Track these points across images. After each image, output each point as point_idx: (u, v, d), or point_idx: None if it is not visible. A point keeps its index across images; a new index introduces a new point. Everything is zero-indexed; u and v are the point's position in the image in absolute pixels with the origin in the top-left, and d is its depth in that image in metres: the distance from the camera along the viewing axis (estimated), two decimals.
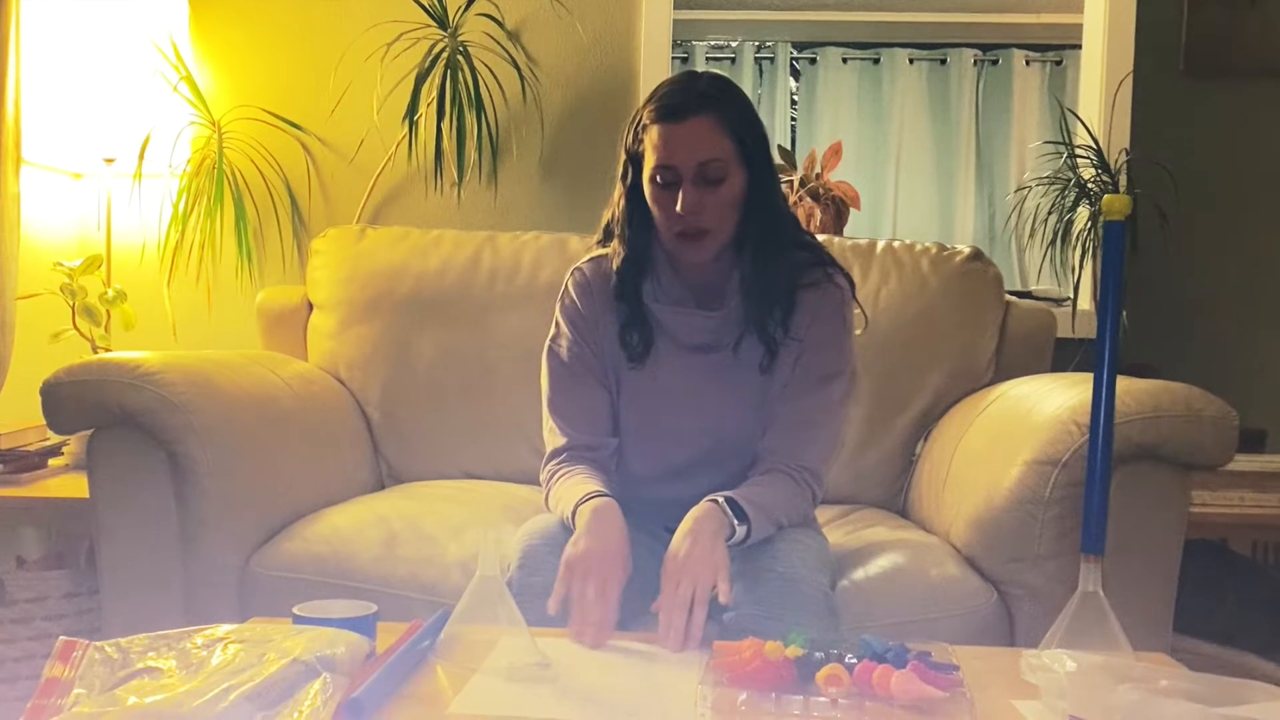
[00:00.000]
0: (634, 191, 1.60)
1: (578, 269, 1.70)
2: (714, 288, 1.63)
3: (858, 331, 1.67)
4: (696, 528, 1.42)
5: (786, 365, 1.61)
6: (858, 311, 1.67)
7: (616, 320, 1.65)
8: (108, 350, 2.34)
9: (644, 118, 1.56)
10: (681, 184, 1.52)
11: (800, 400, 1.59)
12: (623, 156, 1.62)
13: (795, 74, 5.14)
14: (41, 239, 2.59)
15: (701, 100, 1.52)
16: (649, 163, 1.55)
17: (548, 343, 1.69)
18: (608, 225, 1.67)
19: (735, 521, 1.44)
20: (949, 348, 2.17)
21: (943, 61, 5.03)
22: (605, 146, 1.66)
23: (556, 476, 1.59)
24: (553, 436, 1.65)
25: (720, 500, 1.45)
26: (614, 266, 1.64)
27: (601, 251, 1.69)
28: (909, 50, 5.03)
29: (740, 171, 1.55)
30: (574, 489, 1.51)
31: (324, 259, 2.35)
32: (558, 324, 1.69)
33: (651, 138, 1.54)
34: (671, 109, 1.52)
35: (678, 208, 1.52)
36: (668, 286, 1.64)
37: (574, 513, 1.46)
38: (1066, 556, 1.56)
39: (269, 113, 2.68)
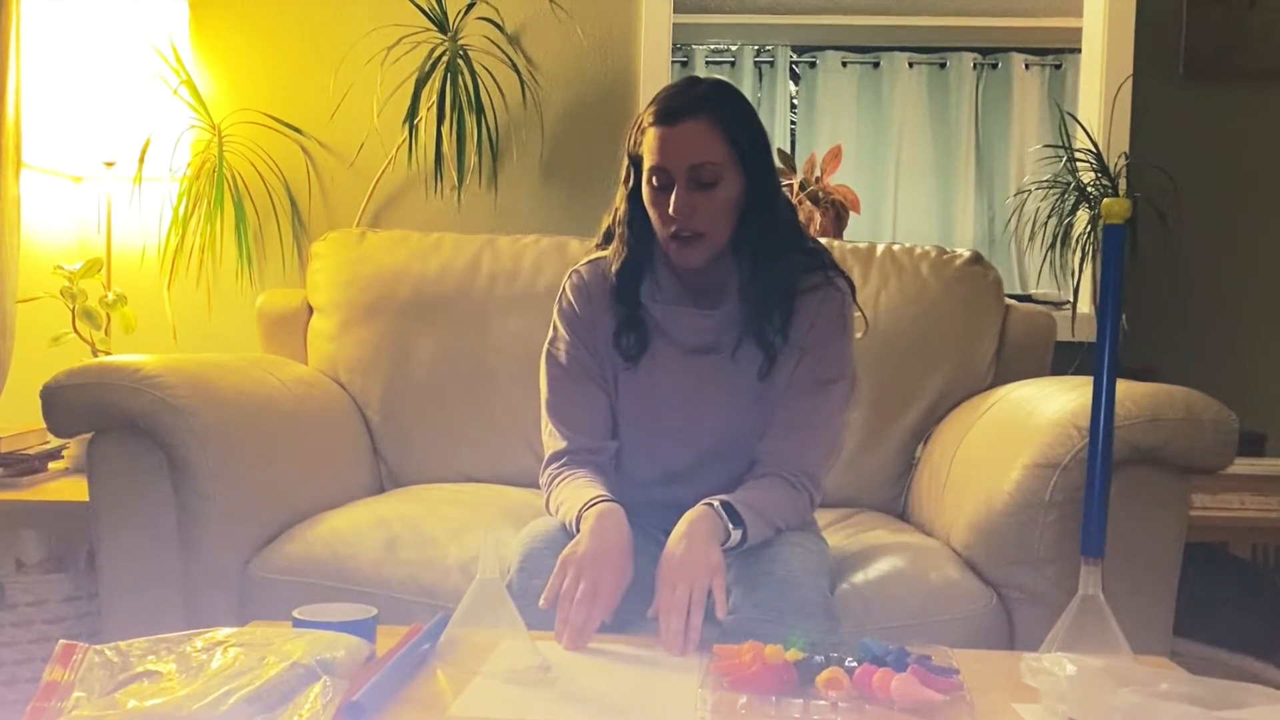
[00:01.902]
0: (635, 194, 1.61)
1: (575, 271, 1.71)
2: (713, 288, 1.63)
3: (858, 335, 1.67)
4: (691, 530, 1.42)
5: (787, 370, 1.60)
6: (858, 315, 1.67)
7: (613, 322, 1.65)
8: (108, 353, 2.34)
9: (644, 121, 1.57)
10: (675, 187, 1.52)
11: (799, 404, 1.59)
12: (626, 160, 1.62)
13: (795, 78, 5.15)
14: (42, 242, 2.60)
15: (697, 104, 1.53)
16: (646, 167, 1.55)
17: (546, 345, 1.69)
18: (609, 228, 1.68)
19: (730, 525, 1.43)
20: (949, 351, 2.17)
21: (942, 65, 5.04)
22: (605, 150, 1.67)
23: (558, 480, 1.58)
24: (552, 440, 1.64)
25: (715, 504, 1.45)
26: (613, 269, 1.64)
27: (600, 254, 1.69)
28: (908, 54, 5.04)
29: (736, 176, 1.55)
30: (578, 493, 1.51)
31: (324, 262, 2.35)
32: (555, 327, 1.69)
33: (648, 140, 1.55)
34: (667, 112, 1.53)
35: (670, 210, 1.52)
36: (666, 286, 1.64)
37: (578, 517, 1.46)
38: (1066, 560, 1.55)
39: (269, 116, 2.69)
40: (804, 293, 1.61)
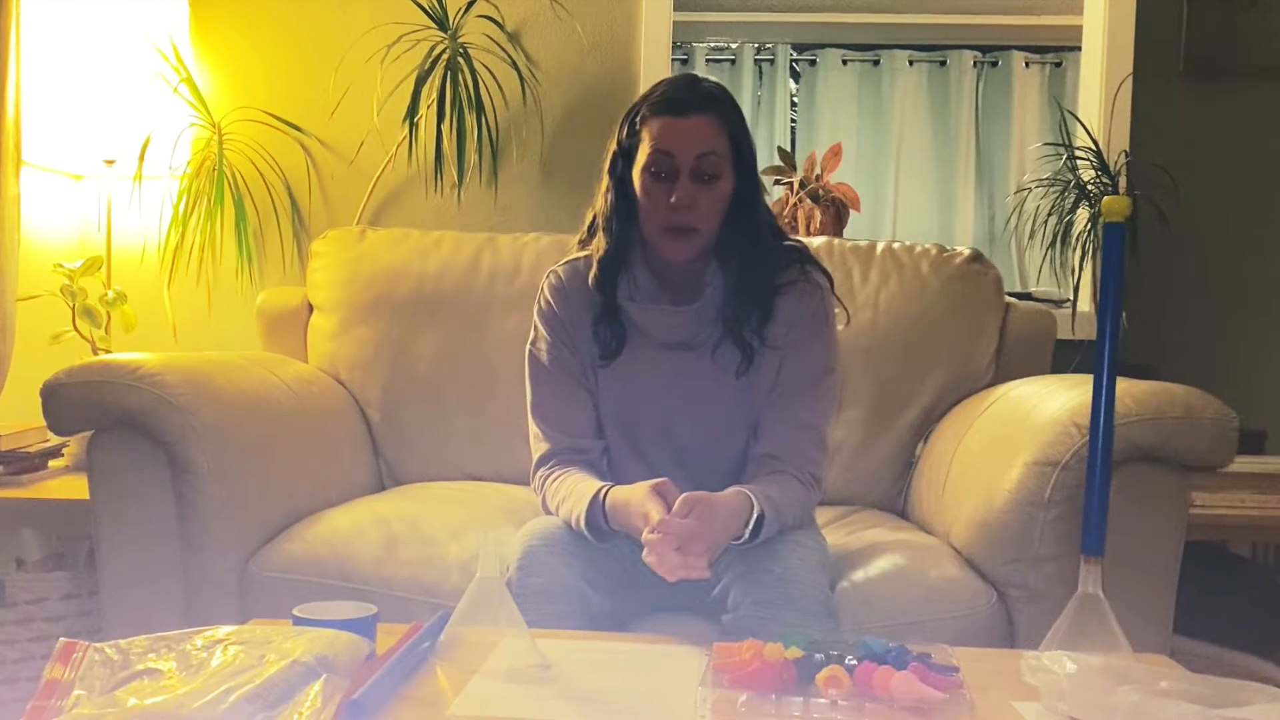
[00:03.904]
0: (621, 185, 1.61)
1: (552, 272, 1.71)
2: (690, 284, 1.63)
3: (840, 327, 1.68)
4: (728, 504, 1.42)
5: (769, 371, 1.61)
6: (839, 310, 1.68)
7: (592, 317, 1.65)
8: (108, 352, 2.34)
9: (644, 111, 1.57)
10: (678, 177, 1.53)
11: (795, 402, 1.60)
12: (612, 149, 1.62)
13: (795, 76, 5.14)
14: (42, 240, 2.60)
15: (705, 100, 1.56)
16: (644, 154, 1.56)
17: (528, 346, 1.70)
18: (591, 222, 1.68)
19: (751, 527, 1.43)
20: (949, 349, 2.17)
21: (942, 63, 5.04)
22: (605, 147, 1.67)
23: (551, 480, 1.59)
24: (538, 442, 1.65)
25: (752, 500, 1.44)
26: (595, 258, 1.65)
27: (577, 254, 1.70)
28: (909, 52, 5.03)
29: (731, 175, 1.57)
30: (579, 489, 1.51)
31: (324, 260, 2.35)
32: (536, 328, 1.70)
33: (651, 129, 1.55)
34: (677, 103, 1.55)
35: (671, 199, 1.52)
36: (644, 285, 1.65)
37: (587, 510, 1.46)
38: (1066, 558, 1.56)
39: (269, 114, 2.68)
40: (782, 291, 1.62)
